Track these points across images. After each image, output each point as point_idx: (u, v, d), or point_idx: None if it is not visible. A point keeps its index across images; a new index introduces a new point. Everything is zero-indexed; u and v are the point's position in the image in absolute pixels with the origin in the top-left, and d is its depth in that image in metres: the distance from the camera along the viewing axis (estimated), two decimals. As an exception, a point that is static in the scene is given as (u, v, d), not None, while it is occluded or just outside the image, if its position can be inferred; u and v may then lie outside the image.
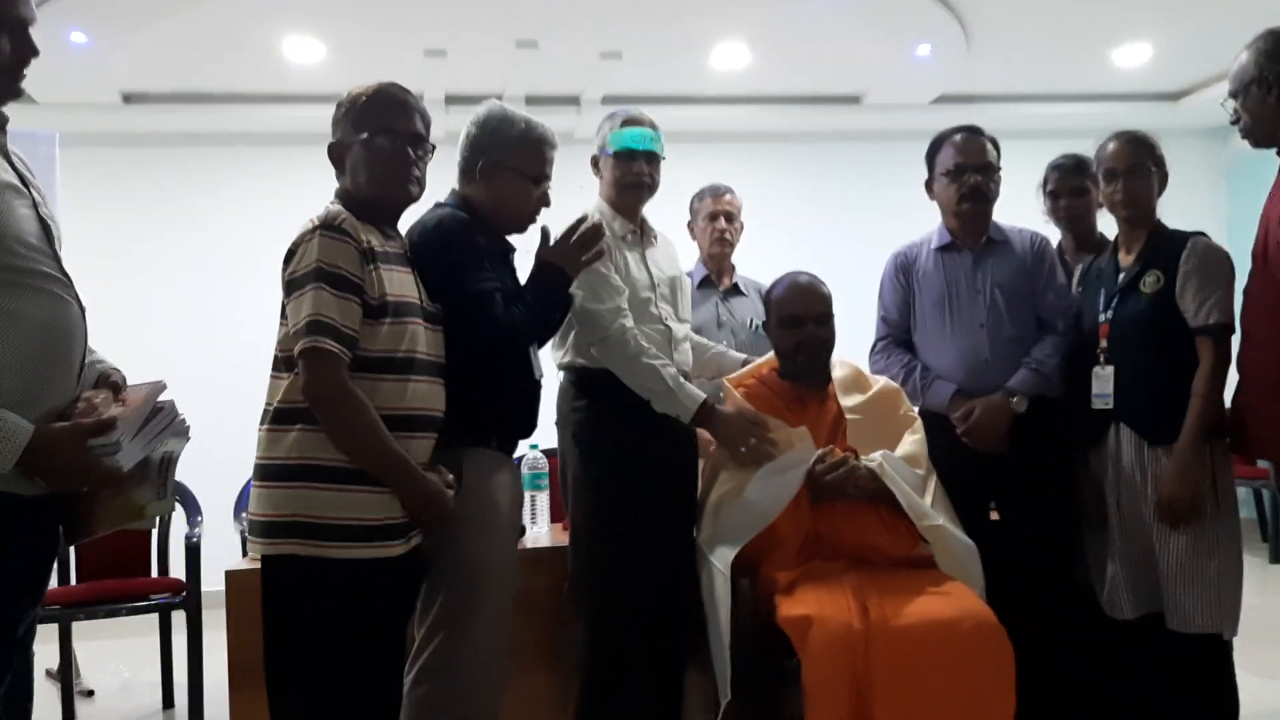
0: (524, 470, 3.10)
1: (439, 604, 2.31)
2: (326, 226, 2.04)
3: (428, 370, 2.17)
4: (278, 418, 2.06)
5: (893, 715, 2.27)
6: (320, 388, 1.99)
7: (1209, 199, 6.92)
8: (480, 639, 2.31)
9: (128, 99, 5.80)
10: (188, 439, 2.02)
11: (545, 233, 2.55)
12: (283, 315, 2.09)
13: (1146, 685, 2.86)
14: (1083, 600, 2.85)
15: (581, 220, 2.55)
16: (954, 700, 2.29)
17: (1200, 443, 2.63)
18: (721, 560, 2.58)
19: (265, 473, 2.06)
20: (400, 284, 2.14)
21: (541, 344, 2.60)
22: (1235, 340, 2.67)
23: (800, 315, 2.83)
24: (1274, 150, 2.58)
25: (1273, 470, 3.06)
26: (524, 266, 2.59)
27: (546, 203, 2.53)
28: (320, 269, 2.00)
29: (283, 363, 2.08)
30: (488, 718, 2.36)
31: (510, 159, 2.47)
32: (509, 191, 2.48)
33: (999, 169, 2.98)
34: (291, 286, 2.04)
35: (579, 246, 2.51)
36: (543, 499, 3.22)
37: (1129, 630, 2.76)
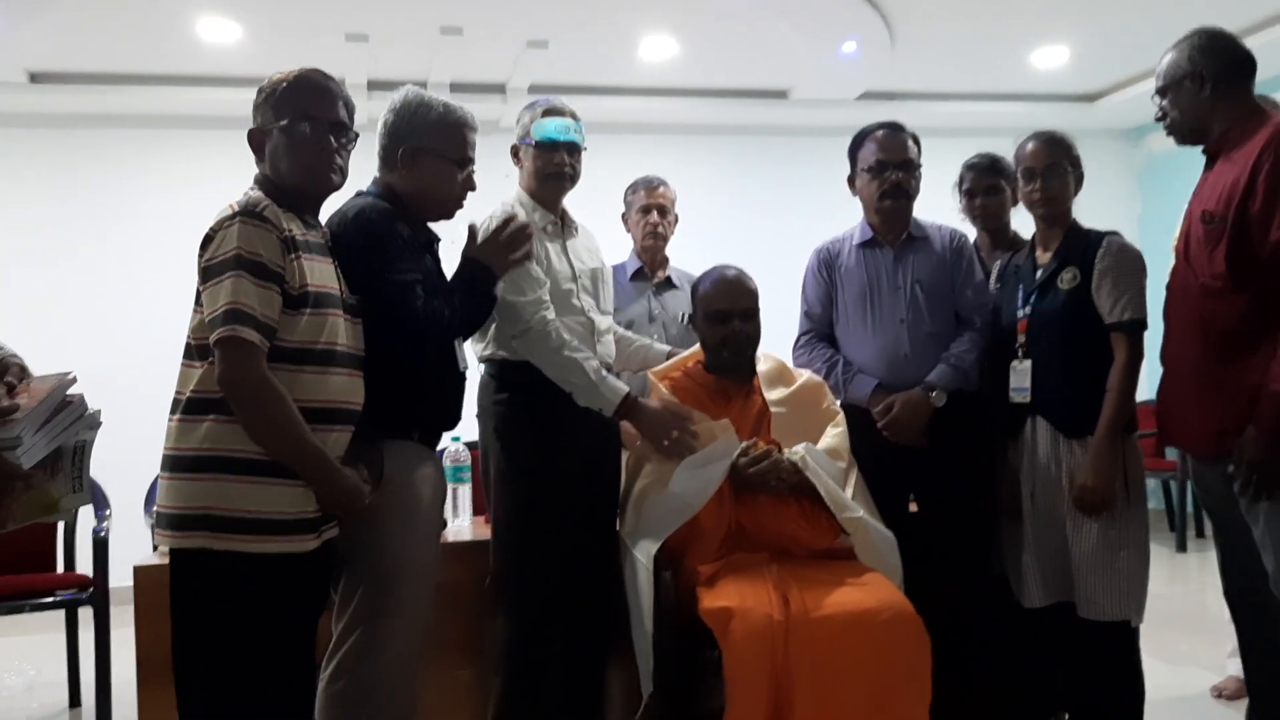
0: (446, 463, 3.06)
1: (358, 598, 2.28)
2: (247, 213, 1.99)
3: (346, 363, 2.14)
4: (190, 408, 2.00)
5: (812, 704, 2.29)
6: (237, 378, 1.94)
7: (1122, 198, 7.11)
8: (399, 634, 2.28)
9: (35, 78, 5.59)
10: (97, 430, 1.96)
11: (473, 230, 2.52)
12: (197, 302, 2.03)
13: (1057, 672, 2.93)
14: (998, 590, 2.91)
15: (510, 219, 2.52)
16: (872, 689, 2.33)
17: (1115, 436, 2.70)
18: (644, 553, 2.59)
19: (175, 464, 2.01)
20: (321, 274, 2.10)
21: (466, 337, 2.57)
22: (1149, 336, 2.74)
23: (727, 311, 2.84)
24: (1198, 148, 2.63)
25: (1181, 462, 3.19)
26: (450, 257, 2.56)
27: (472, 186, 2.50)
28: (240, 256, 1.95)
29: (196, 351, 2.03)
30: (405, 713, 2.33)
31: (431, 144, 2.42)
32: (432, 177, 2.44)
33: (920, 166, 3.01)
34: (208, 273, 1.99)
35: (506, 245, 2.49)
36: (464, 492, 3.19)
37: (1040, 619, 2.81)
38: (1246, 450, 2.38)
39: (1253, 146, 2.42)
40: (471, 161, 2.48)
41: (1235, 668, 3.35)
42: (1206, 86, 2.52)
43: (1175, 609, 4.77)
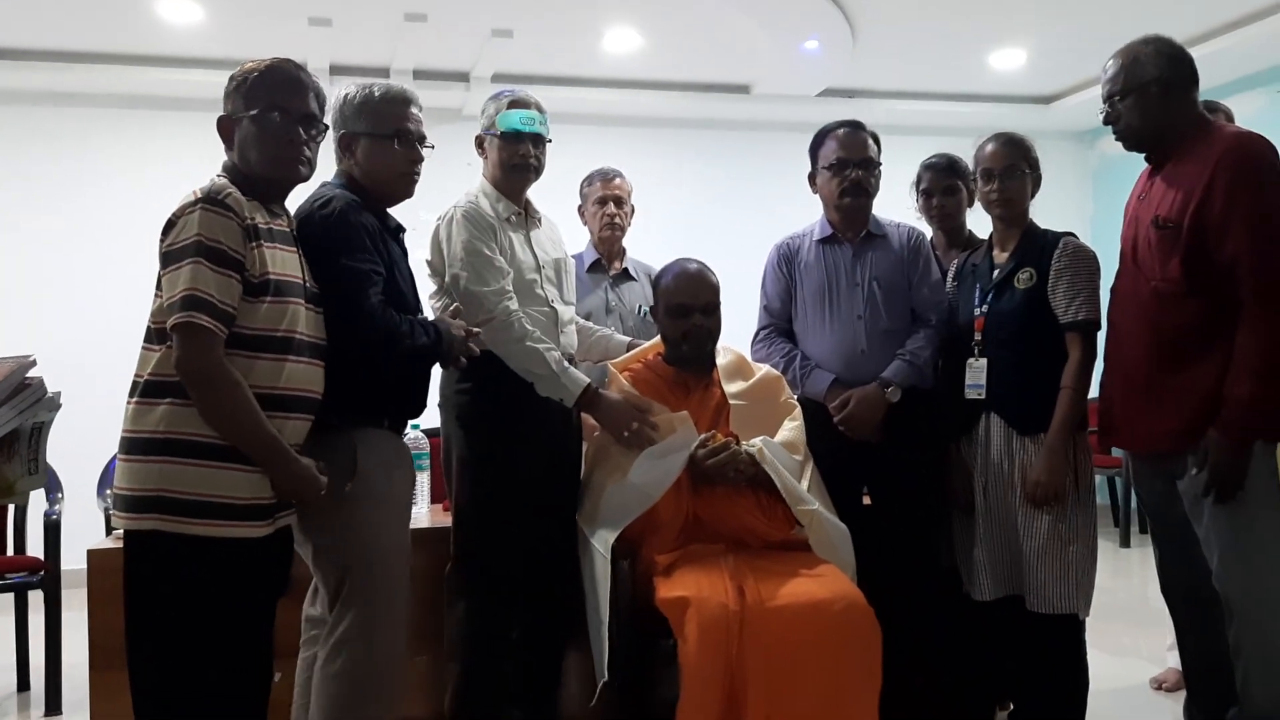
0: (406, 451, 3.06)
1: (348, 585, 2.31)
2: (209, 200, 2.00)
3: (307, 351, 2.14)
4: (147, 390, 2.01)
5: (765, 693, 2.33)
6: (193, 363, 1.95)
7: (1075, 200, 7.22)
8: (389, 613, 2.34)
9: (-6, 54, 5.49)
10: (55, 413, 1.95)
11: (457, 312, 2.55)
12: (158, 287, 2.04)
13: (1004, 664, 3.00)
14: (948, 583, 2.97)
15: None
16: (824, 678, 2.37)
17: (1068, 433, 2.76)
18: (602, 542, 2.61)
19: (131, 446, 2.01)
20: (284, 263, 2.11)
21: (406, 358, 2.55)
22: (1101, 336, 2.80)
23: (688, 305, 2.86)
24: (1142, 153, 2.69)
25: (1127, 460, 3.25)
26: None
27: (416, 157, 2.48)
28: (200, 243, 1.96)
29: (155, 335, 2.03)
30: (393, 696, 2.39)
31: (363, 125, 2.44)
32: (370, 159, 2.45)
33: (880, 164, 3.05)
34: (168, 259, 1.99)
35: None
36: (423, 479, 3.18)
37: (989, 611, 2.88)
38: (1211, 454, 2.44)
39: (1207, 155, 2.48)
40: (409, 133, 2.46)
41: (1175, 660, 3.43)
42: (1171, 93, 2.57)
43: (1119, 603, 4.87)
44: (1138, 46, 2.61)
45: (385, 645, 2.34)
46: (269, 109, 2.10)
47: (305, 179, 2.20)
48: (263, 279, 2.04)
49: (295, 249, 2.19)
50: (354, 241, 2.29)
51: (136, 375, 2.04)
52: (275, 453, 2.04)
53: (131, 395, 2.04)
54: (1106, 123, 2.68)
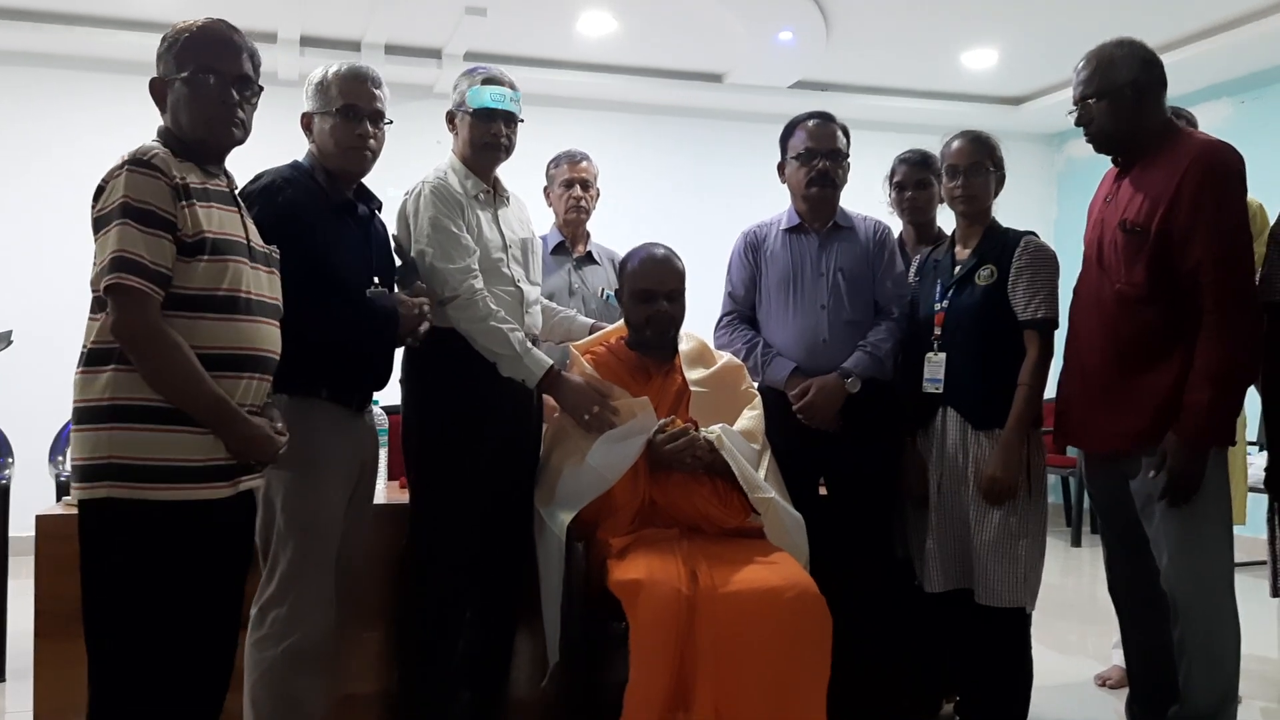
0: (363, 427, 3.05)
1: (272, 551, 2.39)
2: (135, 161, 1.97)
3: (257, 310, 2.10)
4: (90, 359, 1.99)
5: (714, 678, 2.34)
6: (128, 326, 1.92)
7: (1040, 201, 7.30)
8: (314, 583, 2.40)
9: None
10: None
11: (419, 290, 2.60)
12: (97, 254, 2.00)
13: (951, 655, 3.04)
14: (900, 574, 3.00)
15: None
16: (774, 665, 2.38)
17: (1023, 429, 2.79)
18: (557, 524, 2.61)
19: (80, 416, 1.99)
20: (221, 221, 2.07)
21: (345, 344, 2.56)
22: (1060, 335, 2.83)
23: (653, 291, 2.86)
24: (1108, 156, 2.71)
25: (1082, 460, 3.25)
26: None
27: (365, 133, 2.51)
28: (127, 204, 1.93)
29: (96, 303, 2.00)
30: (330, 663, 2.42)
31: (313, 106, 2.54)
32: (320, 133, 2.54)
33: (848, 156, 3.07)
34: (99, 224, 1.96)
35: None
36: (380, 456, 3.17)
37: (939, 603, 2.91)
38: (1170, 458, 2.47)
39: (1176, 161, 2.50)
40: (356, 108, 2.50)
41: (1120, 658, 3.49)
42: (1144, 97, 2.59)
43: (1067, 600, 4.95)
44: (1111, 49, 2.63)
45: (308, 615, 2.37)
46: (201, 70, 2.07)
47: (240, 141, 2.16)
48: (197, 237, 2.00)
49: (236, 208, 2.16)
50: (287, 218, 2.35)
51: (83, 345, 2.02)
52: (222, 413, 2.00)
53: (79, 365, 2.01)
54: (1078, 124, 2.69)
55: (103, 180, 1.99)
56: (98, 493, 1.95)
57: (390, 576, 2.82)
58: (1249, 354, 2.48)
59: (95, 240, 1.98)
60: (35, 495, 3.73)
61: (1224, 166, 2.49)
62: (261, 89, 2.19)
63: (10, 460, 3.74)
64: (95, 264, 1.96)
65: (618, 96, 6.61)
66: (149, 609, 1.98)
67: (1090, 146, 2.72)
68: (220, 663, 2.15)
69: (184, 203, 1.99)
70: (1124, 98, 2.59)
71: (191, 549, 2.00)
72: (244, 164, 2.27)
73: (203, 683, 2.10)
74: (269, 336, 2.15)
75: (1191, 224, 2.45)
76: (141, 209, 1.93)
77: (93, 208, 1.99)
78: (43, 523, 2.69)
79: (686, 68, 6.45)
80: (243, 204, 2.22)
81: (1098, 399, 2.65)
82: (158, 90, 2.12)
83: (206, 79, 2.07)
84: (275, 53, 5.34)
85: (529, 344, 2.73)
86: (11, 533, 3.60)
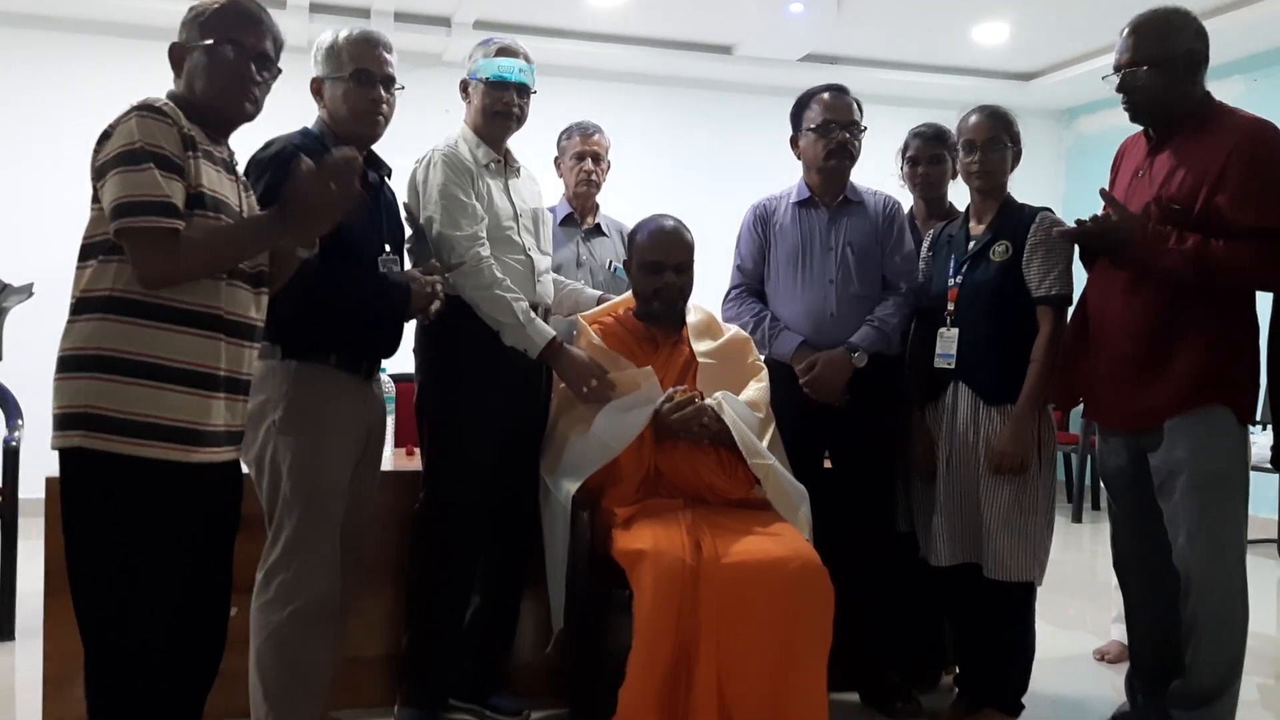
0: (371, 394, 3.06)
1: (277, 515, 2.41)
2: (145, 107, 1.95)
3: (242, 277, 2.08)
4: (77, 308, 1.97)
5: (717, 647, 2.37)
6: (156, 271, 1.91)
7: (1049, 178, 7.25)
8: (317, 546, 2.41)
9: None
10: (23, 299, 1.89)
11: (433, 268, 2.60)
12: (95, 201, 1.98)
13: (953, 628, 3.06)
14: (903, 547, 3.02)
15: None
16: (776, 635, 2.40)
17: (1036, 405, 2.79)
18: (563, 492, 2.63)
19: (61, 364, 1.97)
20: (219, 182, 2.06)
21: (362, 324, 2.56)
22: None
23: (661, 263, 2.86)
24: (1127, 132, 2.68)
25: (1083, 435, 3.31)
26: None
27: (379, 98, 2.51)
28: (145, 148, 1.90)
29: (85, 251, 1.98)
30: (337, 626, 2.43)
31: (324, 71, 2.54)
32: (332, 99, 2.54)
33: (864, 128, 3.06)
34: (106, 168, 1.92)
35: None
36: (389, 422, 3.19)
37: (942, 577, 2.92)
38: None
39: (1221, 139, 2.49)
40: (368, 73, 2.50)
41: (1119, 633, 3.51)
42: (1197, 69, 2.56)
43: (1067, 575, 4.97)
44: (1168, 15, 2.58)
45: (313, 580, 2.39)
46: (224, 41, 2.06)
47: (250, 117, 2.14)
48: (197, 191, 1.99)
49: (234, 178, 2.15)
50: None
51: (71, 296, 1.99)
52: (262, 224, 2.04)
53: (69, 316, 1.99)
54: (1119, 89, 2.63)
55: (108, 127, 1.96)
56: (70, 441, 1.93)
57: (396, 541, 2.84)
58: None
59: (101, 184, 1.93)
60: (46, 456, 3.76)
61: (1273, 144, 2.48)
62: (280, 71, 2.18)
63: (20, 422, 3.76)
64: (104, 205, 1.92)
65: (626, 68, 6.58)
66: (121, 563, 1.94)
67: (1100, 121, 2.70)
68: (209, 627, 2.13)
69: (190, 153, 1.98)
70: (1175, 69, 2.55)
71: (167, 507, 1.96)
72: (252, 129, 2.25)
73: (190, 645, 2.06)
74: (255, 304, 2.12)
75: (1240, 200, 2.44)
76: (158, 153, 1.92)
77: (95, 154, 1.96)
78: (52, 484, 2.69)
79: (696, 39, 6.41)
80: (243, 178, 2.21)
81: (1123, 373, 2.63)
82: (176, 55, 2.11)
83: (227, 49, 2.06)
84: (284, 18, 5.30)
85: (533, 314, 2.73)
86: (23, 494, 3.63)
